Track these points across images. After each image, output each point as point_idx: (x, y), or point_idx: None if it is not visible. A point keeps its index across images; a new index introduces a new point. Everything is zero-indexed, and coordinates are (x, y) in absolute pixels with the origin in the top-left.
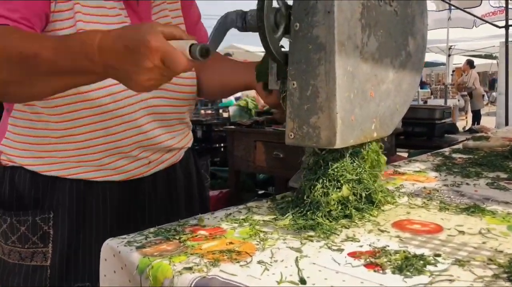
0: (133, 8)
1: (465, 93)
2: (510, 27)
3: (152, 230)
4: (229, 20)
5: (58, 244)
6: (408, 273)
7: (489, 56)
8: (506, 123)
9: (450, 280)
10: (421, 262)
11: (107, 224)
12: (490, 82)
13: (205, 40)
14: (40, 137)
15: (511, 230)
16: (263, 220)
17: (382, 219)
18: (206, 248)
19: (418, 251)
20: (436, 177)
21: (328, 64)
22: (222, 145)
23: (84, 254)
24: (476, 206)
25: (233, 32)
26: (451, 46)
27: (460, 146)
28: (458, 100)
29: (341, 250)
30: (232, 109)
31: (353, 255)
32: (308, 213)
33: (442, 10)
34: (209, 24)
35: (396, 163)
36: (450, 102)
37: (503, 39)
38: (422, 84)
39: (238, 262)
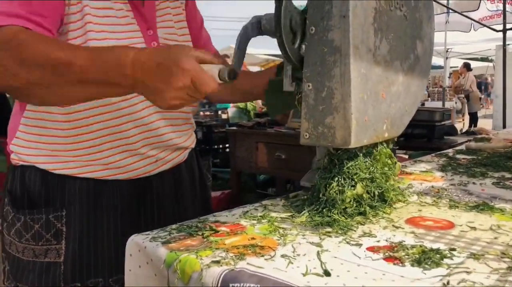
0: (138, 9)
1: (462, 95)
2: (508, 31)
3: (174, 226)
4: (247, 34)
5: (70, 240)
6: (426, 266)
7: (485, 59)
8: (504, 125)
9: (467, 272)
10: (438, 255)
11: (117, 222)
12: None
13: (208, 44)
14: (52, 137)
15: None
16: (281, 217)
17: (395, 216)
18: (230, 243)
19: (434, 246)
20: (443, 176)
21: (343, 67)
22: (221, 146)
23: (96, 250)
24: (485, 204)
25: (231, 34)
26: (448, 49)
27: (463, 147)
28: (456, 103)
29: (359, 245)
30: (231, 111)
31: (371, 249)
32: (324, 210)
33: (440, 14)
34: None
35: (402, 163)
36: (448, 105)
37: (500, 43)
38: None
39: (262, 256)
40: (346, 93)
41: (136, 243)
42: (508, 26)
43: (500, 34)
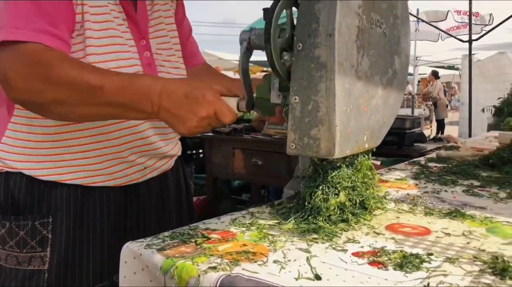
0: (132, 18)
1: (430, 103)
2: (473, 42)
3: (167, 233)
4: (244, 59)
5: (56, 248)
6: (408, 269)
7: (451, 67)
8: (469, 132)
9: (444, 275)
10: (417, 260)
11: (104, 229)
12: None
13: (196, 53)
14: (40, 142)
15: (490, 232)
16: (268, 224)
17: (376, 223)
18: (223, 250)
19: (413, 251)
20: (417, 184)
21: (329, 82)
22: (194, 151)
23: (81, 258)
24: (457, 211)
25: (206, 39)
26: (418, 57)
27: (433, 155)
28: (424, 110)
29: (345, 251)
30: None
31: (356, 254)
32: (310, 217)
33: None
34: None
35: (377, 171)
36: (416, 112)
37: (466, 52)
38: None
39: (255, 261)
40: (331, 106)
41: (131, 250)
42: (473, 37)
43: (466, 44)
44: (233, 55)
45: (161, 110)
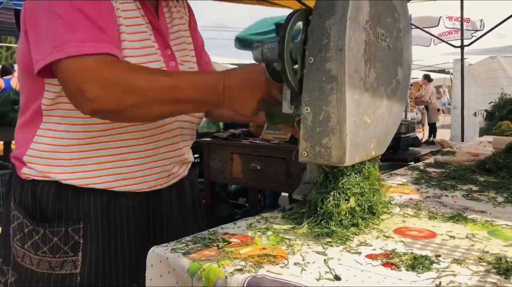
0: (157, 29)
1: (422, 106)
2: (465, 47)
3: (188, 238)
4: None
5: (87, 252)
6: (419, 270)
7: (442, 71)
8: (462, 136)
9: (453, 274)
10: (427, 261)
11: (131, 233)
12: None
13: (209, 64)
14: (71, 146)
15: (491, 234)
16: (283, 229)
17: (384, 227)
18: (245, 253)
19: (422, 253)
20: (418, 189)
21: (340, 94)
22: None
23: (110, 261)
24: (459, 215)
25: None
26: None
27: (431, 160)
28: (416, 113)
29: (359, 253)
30: None
31: (370, 257)
32: (322, 222)
33: None
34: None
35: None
36: (409, 116)
37: (457, 57)
38: None
39: (277, 264)
40: (342, 117)
41: (157, 254)
42: (465, 42)
43: (458, 49)
44: (226, 59)
45: (226, 99)
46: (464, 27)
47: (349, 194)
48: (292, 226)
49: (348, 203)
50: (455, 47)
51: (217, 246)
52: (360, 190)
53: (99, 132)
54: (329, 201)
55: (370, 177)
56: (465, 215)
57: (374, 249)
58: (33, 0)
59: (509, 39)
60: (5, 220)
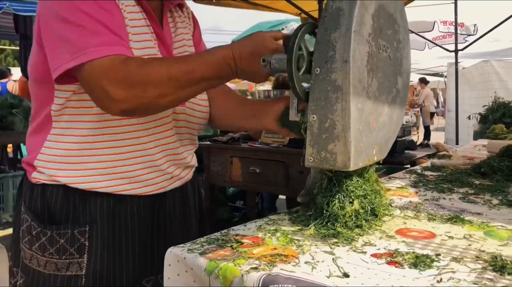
0: (161, 38)
1: (417, 109)
2: (459, 51)
3: (203, 239)
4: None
5: (92, 254)
6: (421, 268)
7: (436, 74)
8: (456, 139)
9: (453, 271)
10: (428, 259)
11: (135, 236)
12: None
13: None
14: (79, 150)
15: (487, 235)
16: (291, 230)
17: (386, 228)
18: (258, 253)
19: (423, 252)
20: (417, 192)
21: (345, 103)
22: None
23: (114, 262)
24: (457, 217)
25: None
26: None
27: (428, 163)
28: (411, 116)
29: (364, 252)
30: None
31: (375, 256)
32: (328, 224)
33: None
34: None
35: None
36: (404, 119)
37: (451, 60)
38: None
39: (289, 263)
40: (346, 124)
41: (175, 254)
42: (459, 46)
43: (452, 53)
44: None
45: (239, 71)
46: (458, 32)
47: (353, 197)
48: (300, 227)
49: (352, 206)
50: (449, 51)
51: (231, 246)
52: (363, 192)
53: (104, 136)
54: (335, 204)
55: (370, 179)
56: (462, 216)
57: (378, 249)
58: (46, 11)
59: (502, 43)
60: (16, 223)
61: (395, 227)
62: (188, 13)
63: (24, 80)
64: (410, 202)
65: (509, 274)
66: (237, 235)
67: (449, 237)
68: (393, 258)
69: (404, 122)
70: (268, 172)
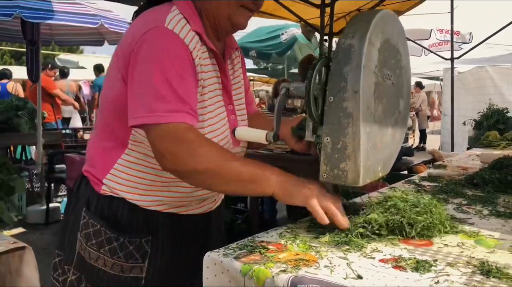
0: (226, 87)
1: (413, 113)
2: (455, 59)
3: (234, 245)
4: (281, 103)
5: (152, 260)
6: (421, 271)
7: (433, 78)
8: (452, 144)
9: (447, 275)
10: (427, 264)
11: (187, 244)
12: None
13: (252, 102)
14: (149, 180)
15: (477, 243)
16: (309, 238)
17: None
18: (283, 258)
19: (422, 258)
20: None
21: (355, 127)
22: None
23: (170, 267)
24: (451, 226)
25: None
26: None
27: (425, 173)
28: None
29: (373, 258)
30: None
31: (382, 261)
32: (341, 233)
33: None
34: None
35: (380, 190)
36: None
37: (447, 66)
38: None
39: (311, 266)
40: (356, 146)
41: (212, 258)
42: (455, 53)
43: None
44: None
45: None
46: (454, 39)
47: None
48: (315, 235)
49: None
50: (446, 59)
51: (259, 251)
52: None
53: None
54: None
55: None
56: (456, 226)
57: (384, 255)
58: (141, 56)
59: (496, 50)
60: (73, 225)
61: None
62: (240, 52)
63: (31, 85)
64: None
65: (494, 277)
66: (262, 241)
67: (445, 245)
68: (397, 263)
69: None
70: None
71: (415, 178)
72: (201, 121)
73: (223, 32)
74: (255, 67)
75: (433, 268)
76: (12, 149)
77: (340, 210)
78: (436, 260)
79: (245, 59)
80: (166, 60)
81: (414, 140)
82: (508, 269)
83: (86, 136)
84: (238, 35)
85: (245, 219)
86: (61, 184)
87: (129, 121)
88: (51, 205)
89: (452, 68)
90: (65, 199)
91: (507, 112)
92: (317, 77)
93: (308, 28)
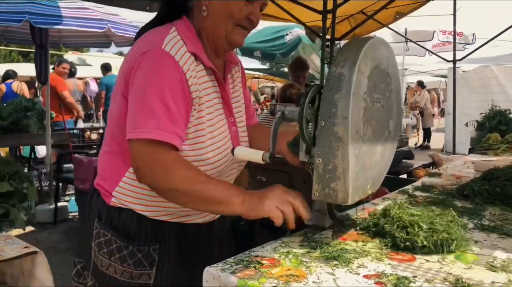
0: (226, 101)
1: (417, 111)
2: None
3: (231, 260)
4: (277, 124)
5: (160, 267)
6: None
7: (438, 75)
8: (454, 144)
9: None
10: (406, 280)
11: (193, 252)
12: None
13: (253, 114)
14: (154, 192)
15: (457, 259)
16: (301, 253)
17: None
18: (275, 273)
19: (403, 274)
20: None
21: (344, 150)
22: None
23: (176, 273)
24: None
25: None
26: (406, 68)
27: (419, 183)
28: (411, 119)
29: (358, 274)
30: None
31: (366, 277)
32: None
33: (399, 42)
34: None
35: (374, 201)
36: (404, 121)
37: (451, 65)
38: None
39: (300, 282)
40: (346, 168)
41: (211, 273)
42: (458, 55)
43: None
44: None
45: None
46: (457, 41)
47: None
48: (308, 250)
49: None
50: (448, 61)
51: (254, 267)
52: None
53: None
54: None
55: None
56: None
57: (369, 271)
58: (138, 75)
59: (501, 49)
60: (87, 235)
61: (384, 250)
62: (240, 66)
63: (39, 86)
64: None
65: None
66: (257, 256)
67: (426, 260)
68: (380, 279)
69: (405, 125)
70: (274, 181)
71: (409, 187)
72: (201, 136)
73: (221, 50)
74: (260, 67)
75: (411, 284)
76: (20, 147)
77: (302, 205)
78: (416, 276)
79: (250, 59)
80: (159, 80)
81: (418, 139)
82: (481, 285)
83: (93, 136)
84: None
85: (248, 220)
86: (69, 183)
87: (127, 134)
88: (59, 204)
89: (454, 69)
90: (73, 198)
91: (510, 113)
92: (309, 104)
93: (317, 84)
